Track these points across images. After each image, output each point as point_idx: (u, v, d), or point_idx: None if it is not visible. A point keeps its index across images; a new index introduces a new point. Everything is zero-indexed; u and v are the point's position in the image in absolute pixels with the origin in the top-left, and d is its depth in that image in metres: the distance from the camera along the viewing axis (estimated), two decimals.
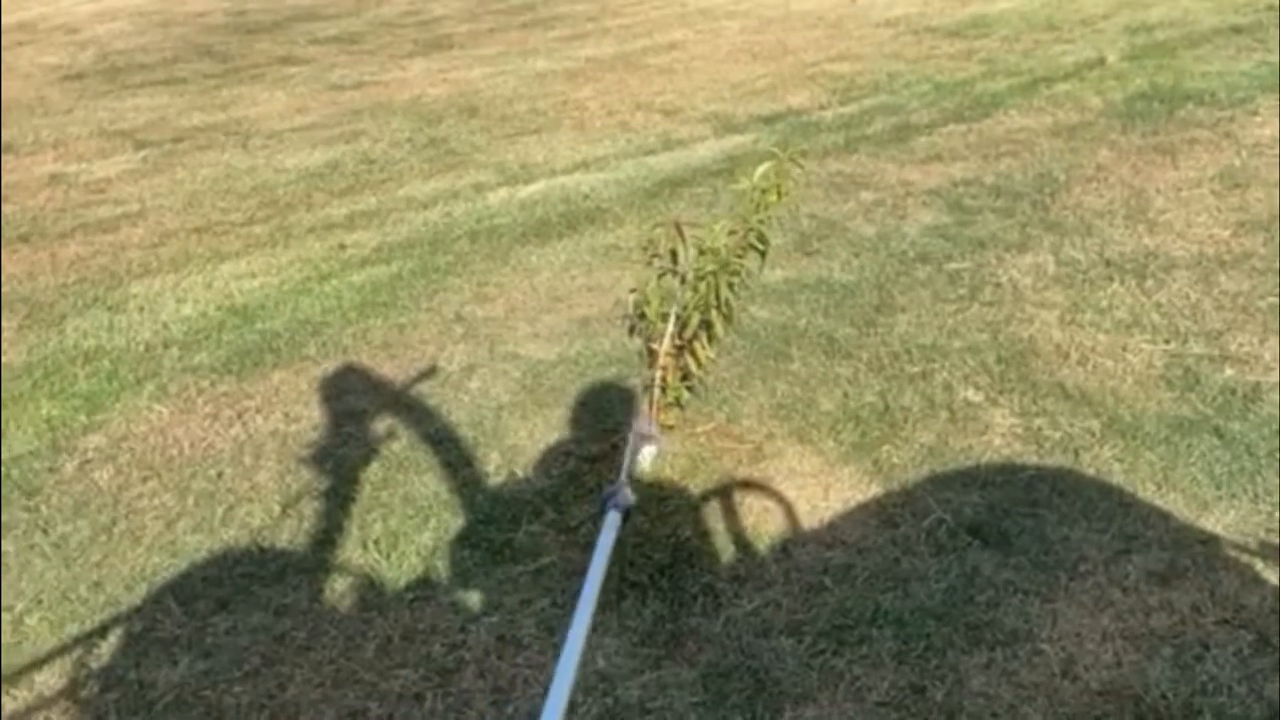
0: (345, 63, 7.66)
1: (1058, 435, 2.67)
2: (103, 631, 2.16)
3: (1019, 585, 2.16)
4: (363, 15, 9.49)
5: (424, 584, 2.27)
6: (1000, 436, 2.69)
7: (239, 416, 3.02)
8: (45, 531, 2.52)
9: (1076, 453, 2.60)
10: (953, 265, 3.72)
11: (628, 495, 2.19)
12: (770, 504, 2.48)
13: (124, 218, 4.69)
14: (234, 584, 2.30)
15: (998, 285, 3.54)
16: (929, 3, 8.33)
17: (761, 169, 2.57)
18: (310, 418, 3.00)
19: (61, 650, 2.11)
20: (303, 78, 7.26)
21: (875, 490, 2.52)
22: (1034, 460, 2.58)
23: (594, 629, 2.12)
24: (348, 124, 6.08)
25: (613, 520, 2.01)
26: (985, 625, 2.07)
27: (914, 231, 4.04)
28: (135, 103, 6.70)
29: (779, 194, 2.58)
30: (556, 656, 1.45)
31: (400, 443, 2.84)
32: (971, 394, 2.89)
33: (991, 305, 3.40)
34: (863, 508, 2.45)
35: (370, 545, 2.40)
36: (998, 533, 2.32)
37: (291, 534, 2.47)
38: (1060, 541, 2.28)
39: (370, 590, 2.25)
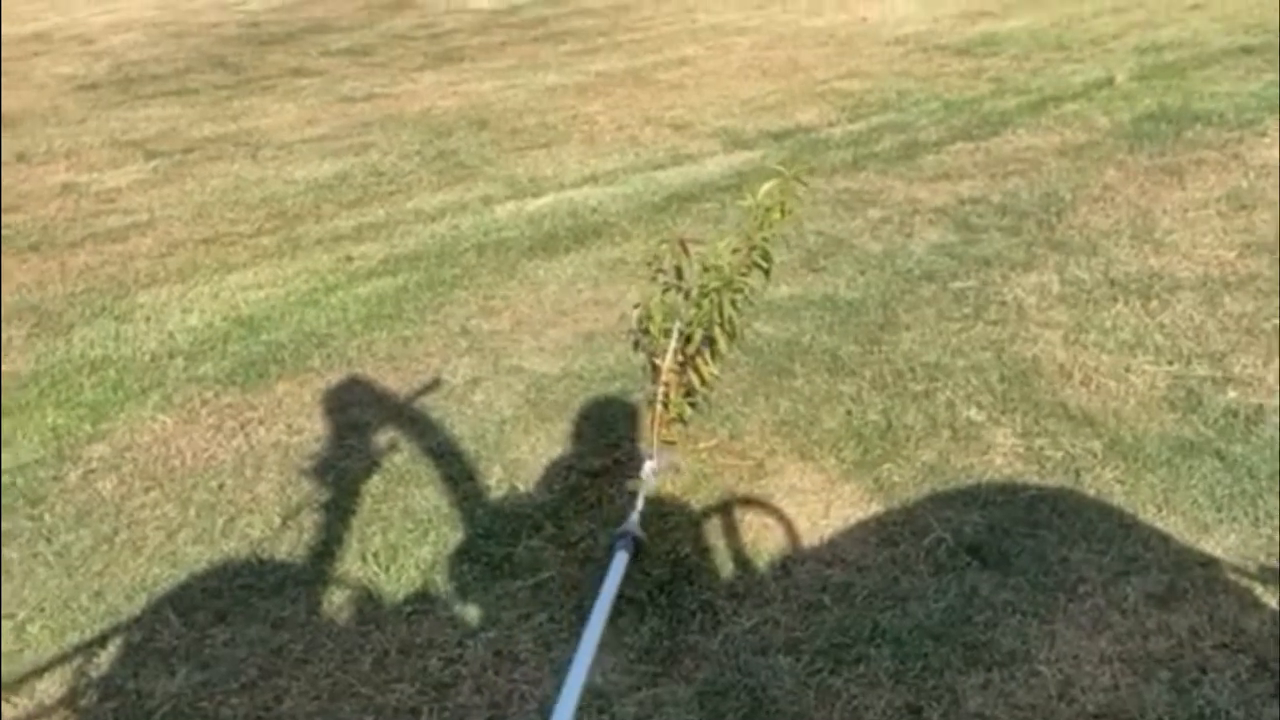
0: (356, 75, 7.71)
1: (1059, 455, 2.67)
2: (103, 641, 2.17)
3: (1017, 606, 2.16)
4: (375, 28, 9.56)
5: (422, 598, 2.27)
6: (1002, 456, 2.69)
7: (242, 427, 3.03)
8: (48, 540, 2.54)
9: (1078, 473, 2.59)
10: (958, 284, 3.72)
11: (638, 535, 2.21)
12: (770, 521, 2.48)
13: (133, 227, 4.73)
14: (233, 595, 2.31)
15: (1002, 304, 3.54)
16: (939, 21, 8.35)
17: (765, 187, 2.58)
18: (313, 429, 3.02)
19: (62, 659, 2.12)
20: (314, 89, 7.31)
21: (876, 508, 2.51)
22: (1035, 480, 2.57)
23: None
24: (358, 136, 6.12)
25: (620, 561, 2.03)
26: (983, 645, 2.06)
27: (920, 249, 4.04)
28: (147, 113, 6.75)
29: (783, 212, 2.58)
30: (557, 689, 1.46)
31: (402, 455, 2.84)
32: (974, 413, 2.89)
33: (996, 324, 3.40)
34: (863, 526, 2.45)
35: (369, 558, 2.41)
36: (997, 553, 2.31)
37: (291, 546, 2.48)
38: (1060, 562, 2.27)
39: (368, 603, 2.25)
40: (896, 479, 2.61)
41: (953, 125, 5.65)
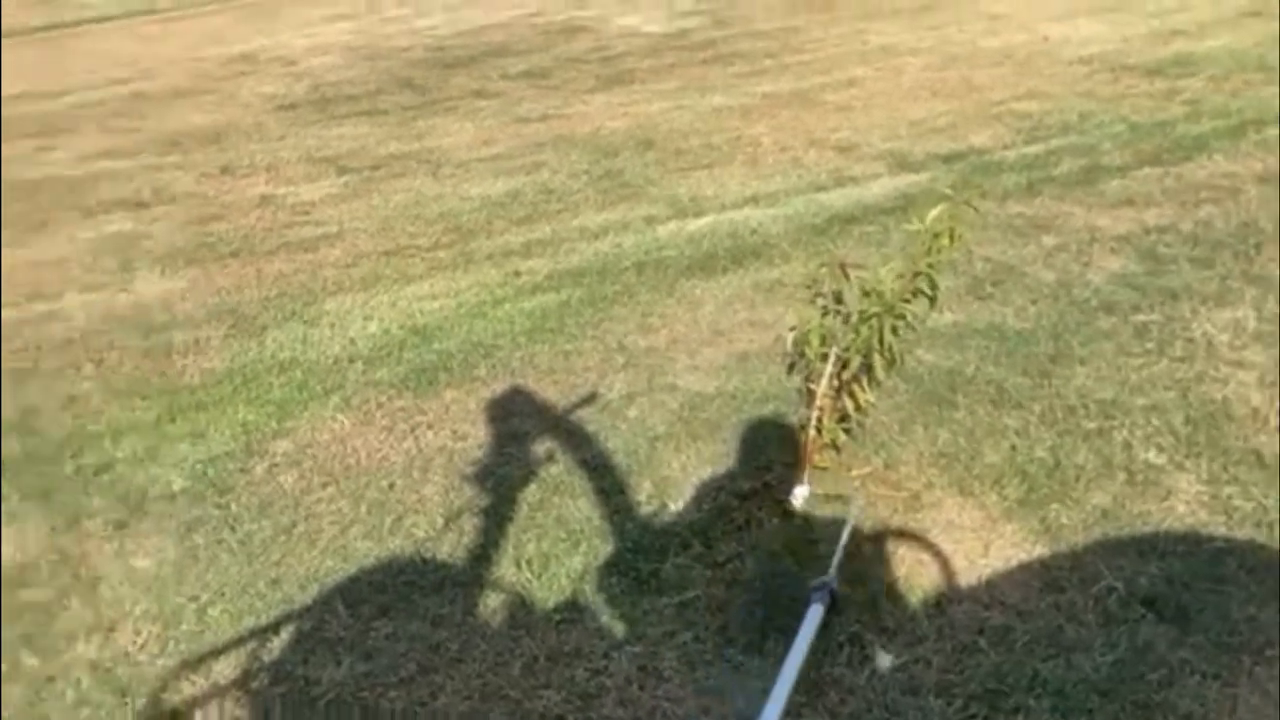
0: (532, 97, 7.98)
1: (1249, 506, 2.47)
2: (276, 627, 2.31)
3: (1196, 665, 2.01)
4: (551, 51, 9.88)
5: (571, 607, 2.32)
6: (1184, 504, 2.51)
7: (412, 431, 3.18)
8: (233, 528, 2.73)
9: (1270, 527, 2.40)
10: (1140, 317, 3.51)
11: (835, 588, 2.16)
12: (925, 556, 2.41)
13: (323, 238, 5.04)
14: (397, 591, 2.42)
15: (1190, 340, 3.31)
16: (1128, 40, 7.93)
17: (934, 211, 2.52)
18: (476, 436, 3.13)
19: (238, 642, 2.27)
20: (491, 110, 7.61)
21: (1040, 551, 2.40)
22: (1221, 532, 2.40)
23: (735, 669, 2.12)
24: (530, 155, 6.32)
25: (815, 614, 2.00)
26: (1155, 706, 1.93)
27: (1099, 279, 3.84)
28: (340, 131, 7.19)
29: (952, 237, 2.51)
30: None
31: (558, 466, 2.91)
32: (1154, 456, 2.71)
33: (1182, 361, 3.19)
34: (1025, 568, 2.34)
35: (523, 564, 2.48)
36: (1175, 607, 2.16)
37: (452, 547, 2.58)
38: (1245, 621, 2.10)
39: (520, 609, 2.32)
40: (1064, 521, 2.49)
41: (1140, 149, 5.34)
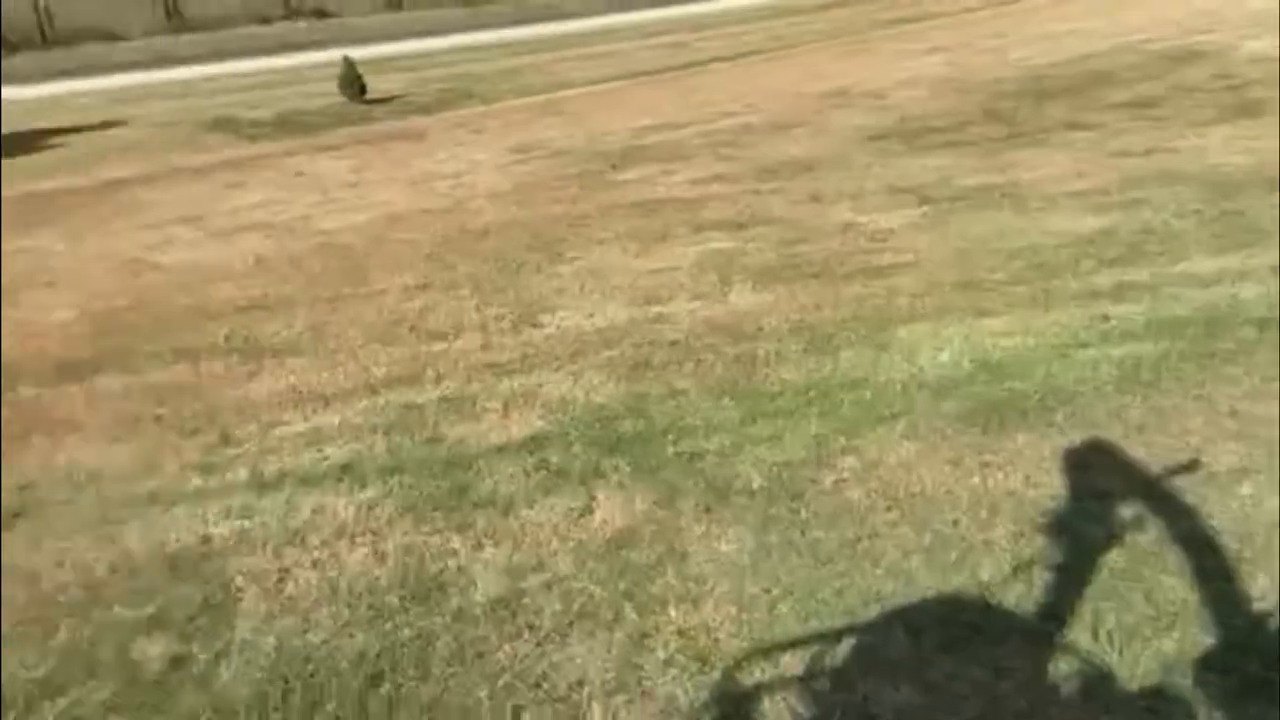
0: (1135, 129, 7.34)
1: None
2: (838, 636, 2.38)
3: None
4: (1163, 79, 8.99)
5: (1159, 695, 2.07)
6: None
7: (980, 468, 3.09)
8: (802, 533, 2.87)
9: None
10: None
11: None
12: None
13: (898, 266, 5.12)
14: (959, 630, 2.36)
15: None
16: None
17: None
18: (1051, 485, 2.94)
19: (804, 641, 2.38)
20: (1086, 142, 7.14)
21: None
22: None
23: None
24: (1129, 191, 5.82)
25: None
26: None
27: None
28: (923, 162, 7.26)
29: None
30: None
31: (1148, 535, 2.63)
32: None
33: None
34: None
35: (1101, 634, 2.27)
36: None
37: (1018, 597, 2.45)
38: None
39: (1097, 682, 2.12)
40: None
41: None
